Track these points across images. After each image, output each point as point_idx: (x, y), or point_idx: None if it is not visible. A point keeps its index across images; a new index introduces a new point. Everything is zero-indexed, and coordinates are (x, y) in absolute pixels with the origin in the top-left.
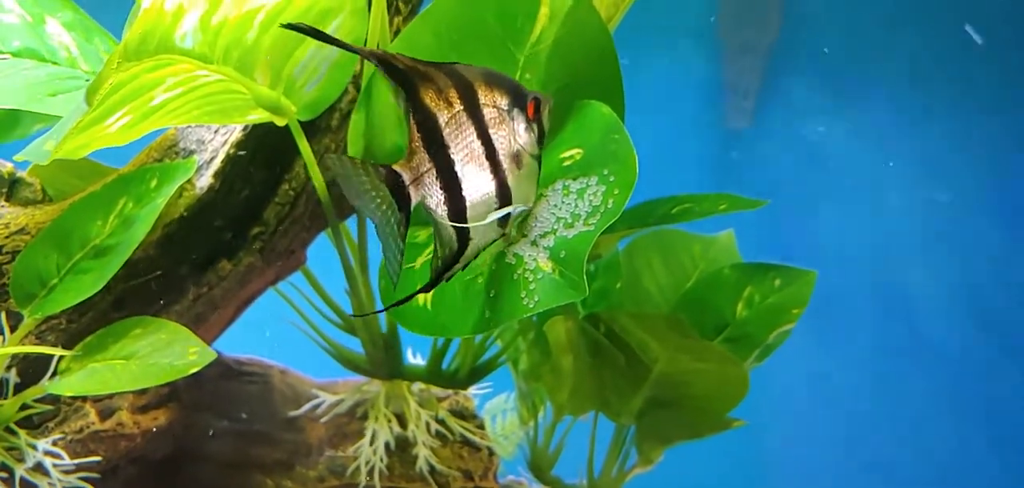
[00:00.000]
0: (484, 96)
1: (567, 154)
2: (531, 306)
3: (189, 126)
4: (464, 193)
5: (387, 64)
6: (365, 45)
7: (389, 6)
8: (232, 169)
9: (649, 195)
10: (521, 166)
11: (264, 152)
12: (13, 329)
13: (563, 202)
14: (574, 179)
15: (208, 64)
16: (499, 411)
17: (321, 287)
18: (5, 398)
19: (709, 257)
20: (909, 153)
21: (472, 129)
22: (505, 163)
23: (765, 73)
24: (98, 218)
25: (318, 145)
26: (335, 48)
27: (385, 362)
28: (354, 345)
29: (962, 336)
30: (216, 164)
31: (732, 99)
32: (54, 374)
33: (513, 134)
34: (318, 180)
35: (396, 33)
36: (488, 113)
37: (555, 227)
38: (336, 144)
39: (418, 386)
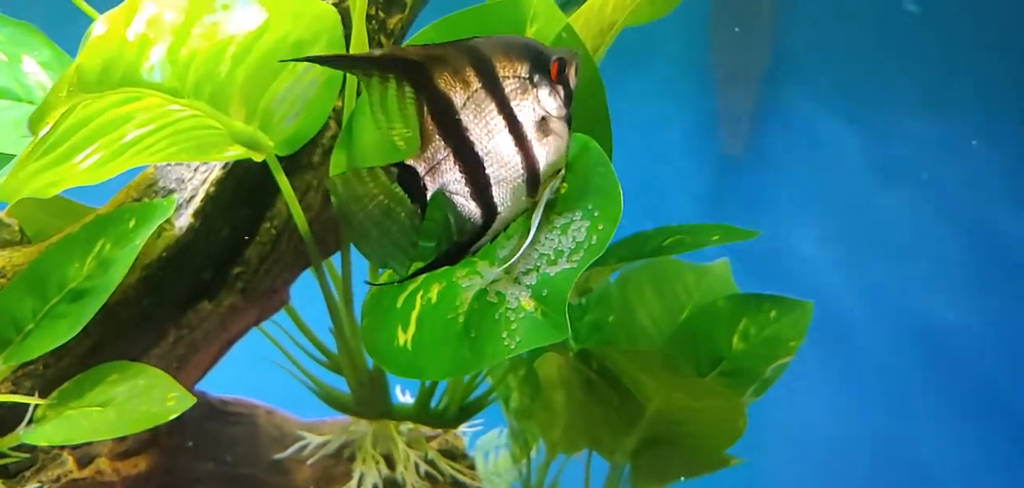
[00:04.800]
0: (503, 68)
1: None
2: (512, 347)
3: (168, 164)
4: (488, 172)
5: (398, 61)
6: (343, 79)
7: (371, 40)
8: (212, 208)
9: (644, 222)
10: (548, 132)
11: (245, 190)
12: None
13: (546, 238)
14: (558, 214)
15: (179, 98)
16: (491, 447)
17: (305, 325)
18: None
19: (703, 287)
20: (908, 171)
21: (493, 105)
22: (530, 133)
23: (758, 99)
24: (75, 260)
25: (300, 181)
26: (313, 80)
27: (372, 401)
28: (340, 384)
29: (967, 358)
30: (196, 203)
31: (726, 125)
32: (30, 421)
33: (537, 101)
34: (300, 217)
35: None
36: (509, 85)
37: (538, 264)
38: (318, 180)
39: (407, 426)
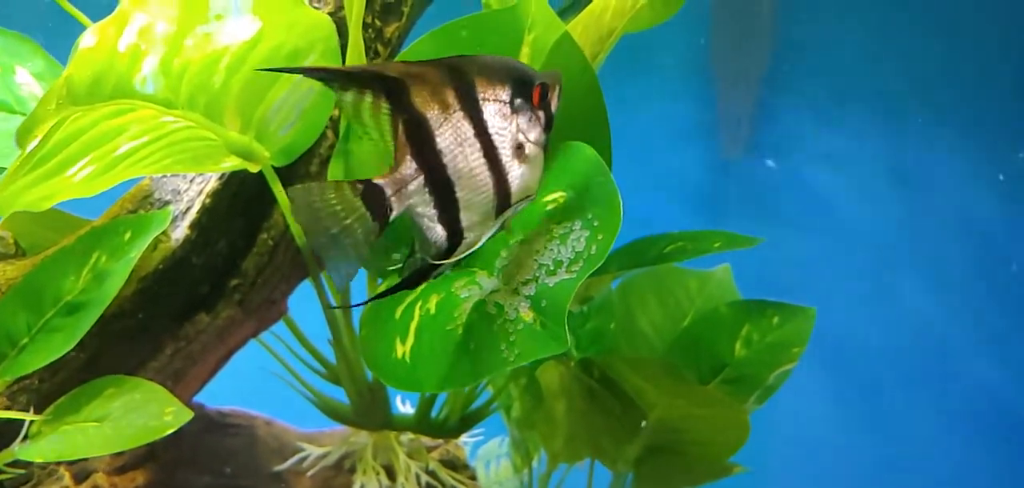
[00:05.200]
0: (484, 91)
1: (550, 197)
2: (511, 359)
3: (163, 176)
4: (458, 196)
5: (377, 77)
6: None
7: (367, 49)
8: (208, 219)
9: (643, 228)
10: (524, 158)
11: (241, 201)
12: None
13: (546, 248)
14: (558, 223)
15: (173, 109)
16: (492, 457)
17: (304, 336)
18: None
19: (705, 293)
20: (907, 176)
21: (470, 128)
22: (505, 158)
23: (758, 102)
24: (70, 273)
25: None
26: (309, 90)
27: (372, 412)
28: (339, 395)
29: (969, 364)
30: (192, 215)
31: (726, 129)
32: (25, 437)
33: (516, 127)
34: (297, 228)
35: None
36: (488, 108)
37: (537, 274)
38: None
39: (407, 436)
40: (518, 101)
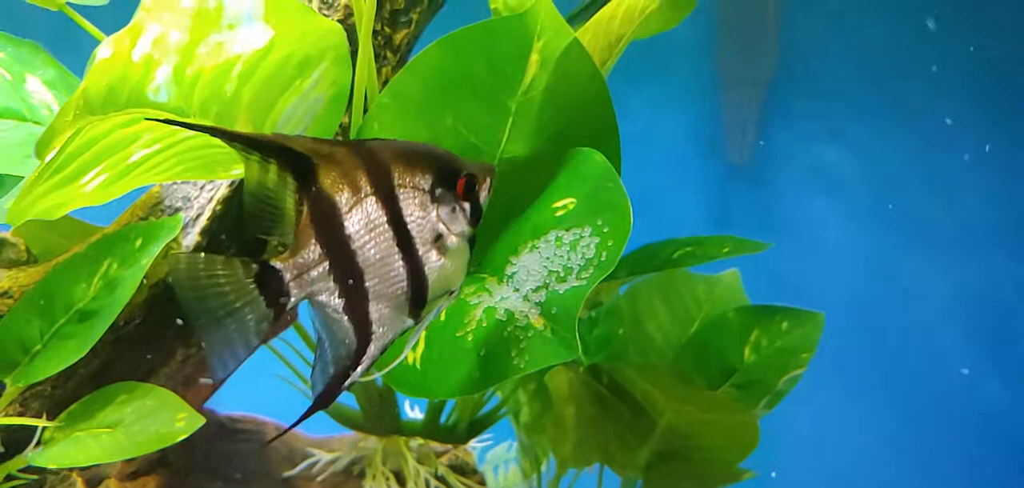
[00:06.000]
0: (400, 177)
1: (560, 204)
2: (522, 366)
3: (174, 183)
4: (367, 285)
5: (283, 149)
6: (351, 94)
7: (377, 56)
8: (219, 226)
9: (652, 232)
10: (444, 251)
11: None
12: None
13: (556, 254)
14: (567, 230)
15: (185, 118)
16: (501, 462)
17: (314, 342)
18: None
19: (714, 298)
20: (914, 179)
21: (382, 214)
22: (422, 249)
23: (765, 106)
24: (82, 280)
25: None
26: (319, 98)
27: (382, 417)
28: (349, 400)
29: (977, 370)
30: (202, 221)
31: (732, 133)
32: (38, 443)
33: (435, 216)
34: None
35: (384, 82)
36: (404, 196)
37: (547, 281)
38: None
39: (416, 441)
40: (439, 190)
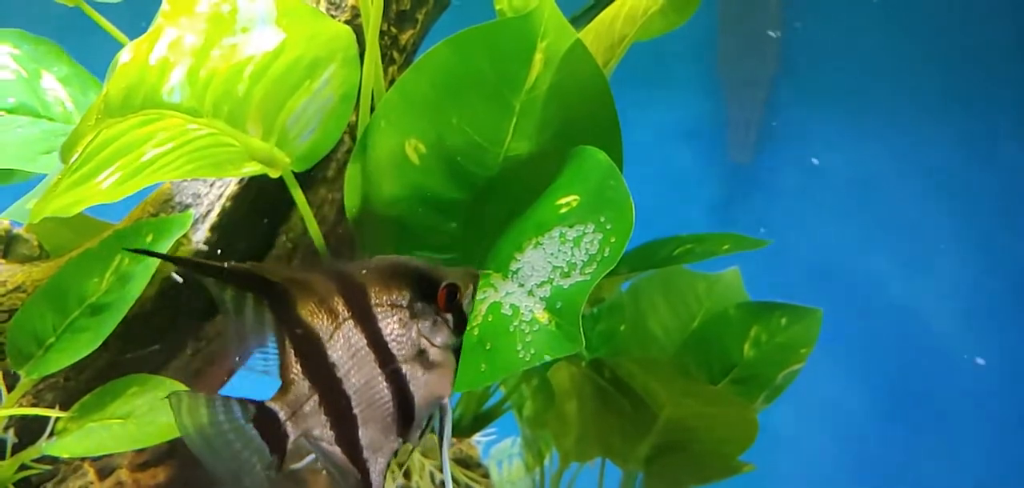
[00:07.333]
0: (377, 295)
1: (564, 200)
2: (527, 359)
3: (184, 180)
4: (355, 412)
5: (256, 280)
6: (358, 94)
7: (383, 56)
8: (229, 222)
9: (654, 231)
10: (429, 365)
11: (261, 204)
12: (10, 388)
13: (560, 250)
14: (570, 226)
15: (198, 118)
16: (505, 456)
17: None
18: (3, 459)
19: (714, 296)
20: (915, 179)
21: (361, 338)
22: (405, 367)
23: (766, 106)
24: (94, 275)
25: (315, 196)
26: (329, 97)
27: None
28: None
29: (977, 369)
30: (212, 217)
31: (734, 133)
32: (52, 434)
33: (416, 332)
34: (315, 231)
35: (391, 82)
36: (383, 314)
37: (552, 276)
38: (332, 195)
39: None
40: (419, 305)
